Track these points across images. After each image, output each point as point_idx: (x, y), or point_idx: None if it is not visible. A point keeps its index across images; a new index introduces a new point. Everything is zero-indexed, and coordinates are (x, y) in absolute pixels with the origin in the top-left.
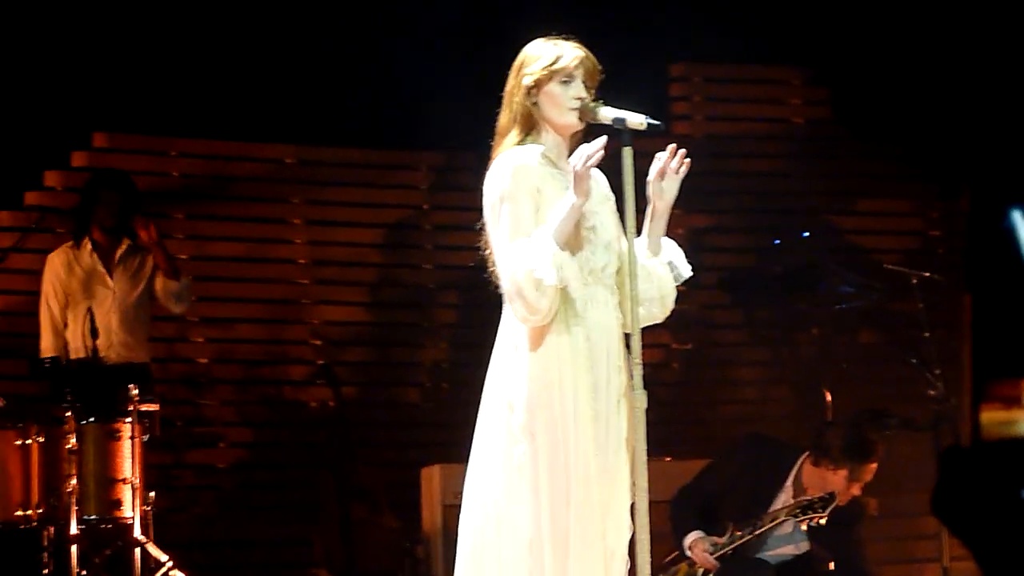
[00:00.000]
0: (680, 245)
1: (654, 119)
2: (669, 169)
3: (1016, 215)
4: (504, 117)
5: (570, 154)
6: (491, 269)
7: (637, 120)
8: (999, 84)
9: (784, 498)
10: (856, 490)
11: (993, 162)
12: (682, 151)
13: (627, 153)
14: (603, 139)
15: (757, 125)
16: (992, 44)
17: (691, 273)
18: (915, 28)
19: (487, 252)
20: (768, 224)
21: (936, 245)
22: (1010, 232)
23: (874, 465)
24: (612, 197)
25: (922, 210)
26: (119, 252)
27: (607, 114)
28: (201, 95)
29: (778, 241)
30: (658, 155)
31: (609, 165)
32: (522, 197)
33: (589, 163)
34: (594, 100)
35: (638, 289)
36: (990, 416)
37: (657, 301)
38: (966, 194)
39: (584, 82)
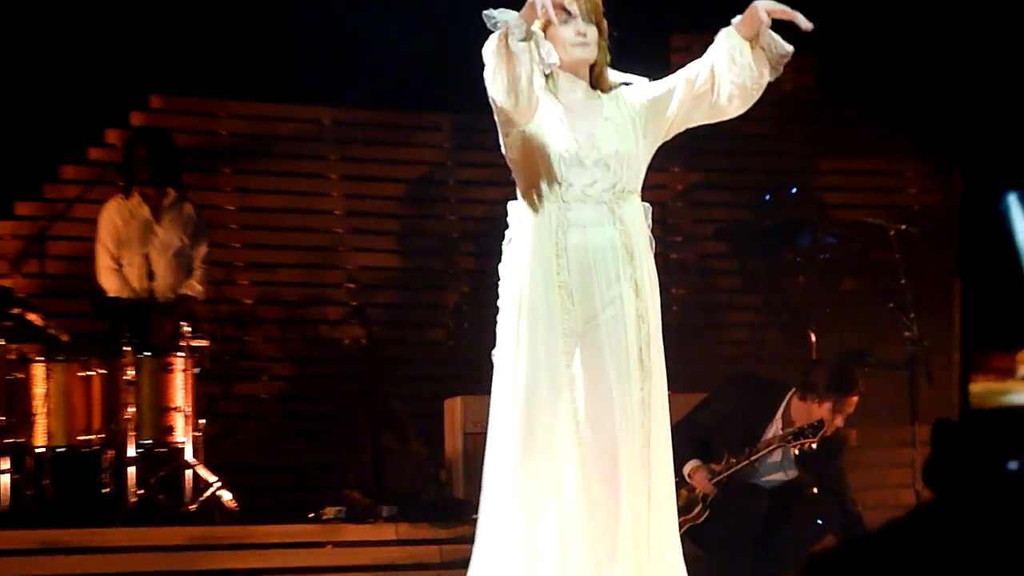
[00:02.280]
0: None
1: None
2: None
3: (1012, 199)
4: None
5: (592, 84)
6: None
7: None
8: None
9: (774, 429)
10: (840, 421)
11: (986, 148)
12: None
13: None
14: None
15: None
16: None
17: (791, 48)
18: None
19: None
20: (759, 181)
21: (912, 200)
22: (1004, 215)
23: (856, 398)
24: (634, 118)
25: (899, 168)
26: (166, 201)
27: (614, 78)
28: (247, 61)
29: (768, 196)
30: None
31: None
32: None
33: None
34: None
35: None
36: (981, 387)
37: (738, 89)
38: (958, 179)
39: (586, 17)
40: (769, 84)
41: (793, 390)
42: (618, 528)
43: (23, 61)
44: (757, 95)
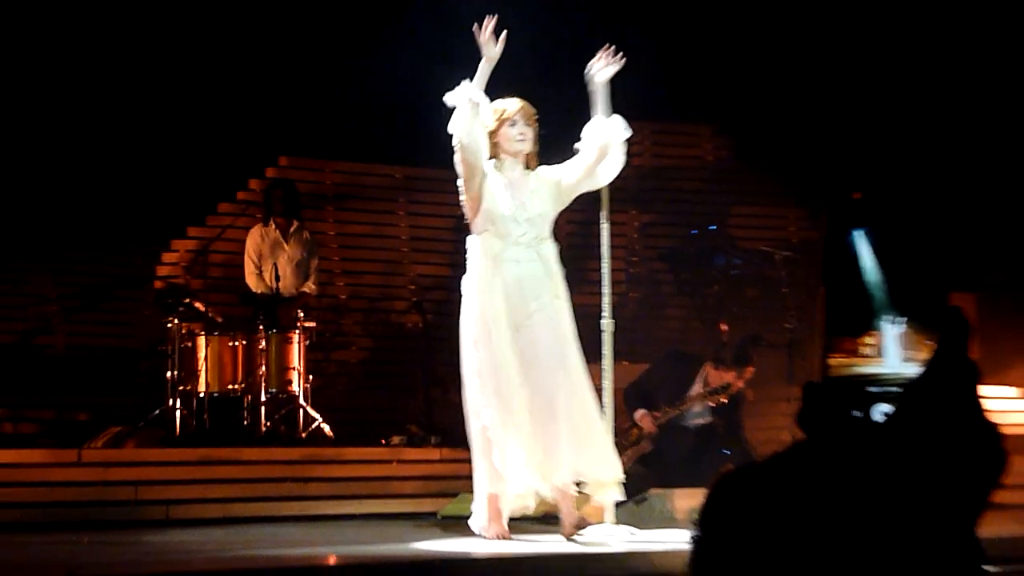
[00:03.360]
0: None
1: None
2: (605, 60)
3: (857, 234)
4: None
5: (525, 166)
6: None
7: None
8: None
9: (696, 388)
10: (741, 384)
11: (842, 202)
12: (614, 53)
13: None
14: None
15: (683, 160)
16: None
17: (629, 133)
18: (792, 91)
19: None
20: (690, 221)
21: (792, 236)
22: (852, 245)
23: (752, 368)
24: (549, 190)
25: (783, 214)
26: (292, 229)
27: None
28: (344, 133)
29: (695, 232)
30: (600, 54)
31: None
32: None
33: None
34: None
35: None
36: (836, 361)
37: (605, 162)
38: (823, 220)
39: (524, 122)
40: (698, 156)
41: (709, 362)
42: (554, 426)
43: (194, 134)
44: (620, 165)
